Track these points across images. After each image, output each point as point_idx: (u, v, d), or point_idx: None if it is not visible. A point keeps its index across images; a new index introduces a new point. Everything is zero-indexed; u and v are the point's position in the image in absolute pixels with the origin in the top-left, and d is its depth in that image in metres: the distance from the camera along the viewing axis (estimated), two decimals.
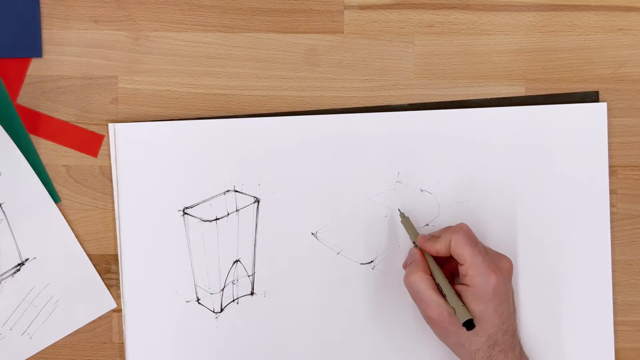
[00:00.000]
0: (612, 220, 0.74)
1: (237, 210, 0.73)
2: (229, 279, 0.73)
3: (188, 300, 0.73)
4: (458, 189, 0.73)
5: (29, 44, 0.72)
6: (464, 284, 0.67)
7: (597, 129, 0.74)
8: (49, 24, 0.73)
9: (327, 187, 0.73)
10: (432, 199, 0.73)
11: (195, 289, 0.73)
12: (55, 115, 0.73)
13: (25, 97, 0.73)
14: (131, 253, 0.73)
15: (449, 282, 0.67)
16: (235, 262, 0.73)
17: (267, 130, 0.73)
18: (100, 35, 0.73)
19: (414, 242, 0.71)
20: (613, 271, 0.74)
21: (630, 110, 0.75)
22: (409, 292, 0.69)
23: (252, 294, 0.74)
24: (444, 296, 0.67)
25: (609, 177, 0.74)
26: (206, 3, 0.73)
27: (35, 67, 0.73)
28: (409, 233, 0.72)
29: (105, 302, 0.73)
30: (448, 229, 0.69)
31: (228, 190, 0.73)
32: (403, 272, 0.72)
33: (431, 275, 0.68)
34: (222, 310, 0.74)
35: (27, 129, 0.73)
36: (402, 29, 0.74)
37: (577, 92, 0.74)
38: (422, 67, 0.74)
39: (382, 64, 0.74)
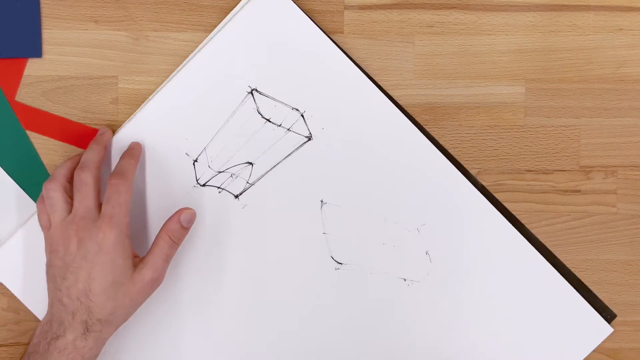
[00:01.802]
0: (612, 220, 0.74)
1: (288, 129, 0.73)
2: (232, 170, 0.73)
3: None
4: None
5: (29, 44, 0.72)
6: None
7: (586, 341, 0.74)
8: (49, 24, 0.73)
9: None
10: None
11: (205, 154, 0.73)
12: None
13: (26, 98, 0.73)
14: None
15: None
16: (248, 163, 0.73)
17: None
18: (100, 35, 0.73)
19: None
20: (613, 271, 0.74)
21: (630, 110, 0.75)
22: None
23: (236, 197, 0.73)
24: None
25: (609, 177, 0.74)
26: (206, 3, 0.73)
27: (35, 67, 0.73)
28: None
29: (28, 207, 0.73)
30: None
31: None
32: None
33: None
34: (204, 185, 0.73)
35: (26, 127, 0.73)
36: (402, 29, 0.74)
37: (601, 302, 0.74)
38: (422, 67, 0.74)
39: (382, 64, 0.74)
